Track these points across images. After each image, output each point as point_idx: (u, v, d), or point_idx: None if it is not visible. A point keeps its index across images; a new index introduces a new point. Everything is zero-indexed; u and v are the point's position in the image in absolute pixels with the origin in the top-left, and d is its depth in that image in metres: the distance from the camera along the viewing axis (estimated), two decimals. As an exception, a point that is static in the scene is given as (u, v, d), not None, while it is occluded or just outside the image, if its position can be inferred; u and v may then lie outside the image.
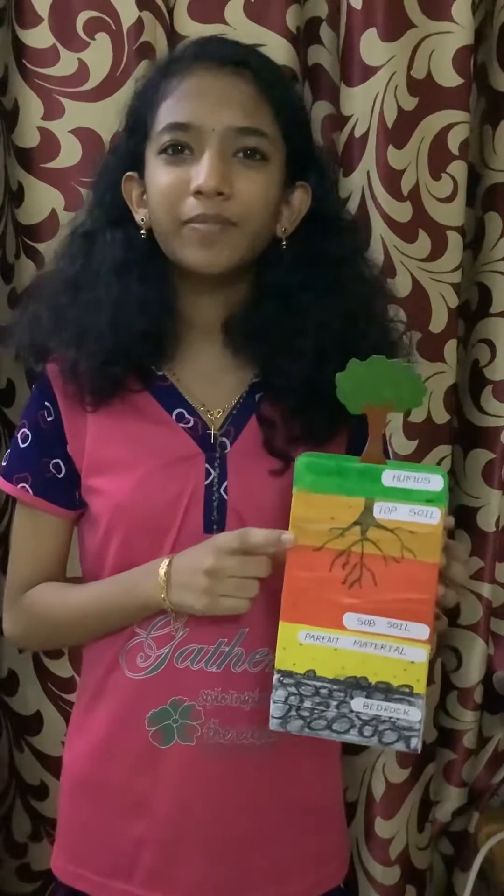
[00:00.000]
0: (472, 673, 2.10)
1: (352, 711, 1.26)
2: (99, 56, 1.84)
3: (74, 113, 1.86)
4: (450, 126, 1.88)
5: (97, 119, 1.79)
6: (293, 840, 1.49)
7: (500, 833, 2.01)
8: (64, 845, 1.56)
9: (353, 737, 1.26)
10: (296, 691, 1.26)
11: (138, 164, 1.42)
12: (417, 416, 1.96)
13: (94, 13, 1.83)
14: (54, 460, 1.47)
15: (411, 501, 1.23)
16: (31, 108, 1.87)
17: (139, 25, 1.82)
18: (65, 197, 1.87)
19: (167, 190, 1.35)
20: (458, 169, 1.90)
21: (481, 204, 2.01)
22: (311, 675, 1.26)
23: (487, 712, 2.16)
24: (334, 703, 1.26)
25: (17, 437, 1.50)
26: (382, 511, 1.23)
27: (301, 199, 1.45)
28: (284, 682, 1.27)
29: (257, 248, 1.40)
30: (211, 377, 1.47)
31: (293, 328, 1.41)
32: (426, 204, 1.91)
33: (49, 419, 1.47)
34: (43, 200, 1.90)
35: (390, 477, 1.24)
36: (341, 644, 1.25)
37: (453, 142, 1.89)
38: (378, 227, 1.88)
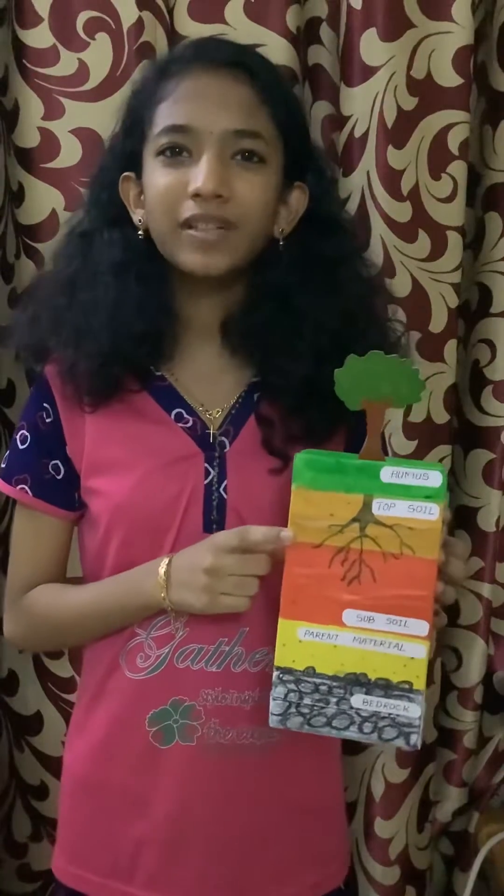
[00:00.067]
0: (472, 673, 2.10)
1: (351, 708, 1.26)
2: (99, 56, 1.84)
3: (75, 113, 1.86)
4: (450, 126, 1.88)
5: (97, 119, 1.79)
6: (294, 840, 1.49)
7: (500, 833, 2.01)
8: (64, 846, 1.56)
9: (352, 733, 1.26)
10: (295, 688, 1.27)
11: (136, 165, 1.42)
12: (417, 416, 1.97)
13: (95, 13, 1.83)
14: (53, 461, 1.47)
15: (410, 498, 1.23)
16: (32, 108, 1.87)
17: (139, 25, 1.82)
18: (65, 197, 1.87)
19: (165, 192, 1.35)
20: (458, 169, 1.90)
21: (481, 204, 2.01)
22: (310, 671, 1.26)
23: (487, 712, 2.16)
24: (334, 699, 1.26)
25: (15, 439, 1.50)
26: (381, 507, 1.24)
27: (298, 199, 1.45)
28: (284, 678, 1.27)
29: (255, 249, 1.40)
30: (209, 377, 1.47)
31: (290, 328, 1.42)
32: (426, 204, 1.91)
33: (48, 420, 1.47)
34: (43, 200, 1.90)
35: (389, 473, 1.24)
36: (341, 641, 1.25)
37: (453, 142, 1.89)
38: (378, 227, 1.88)
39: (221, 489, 1.42)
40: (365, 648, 1.25)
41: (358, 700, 1.25)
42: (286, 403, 1.43)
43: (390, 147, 1.86)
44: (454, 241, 1.93)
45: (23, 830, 2.15)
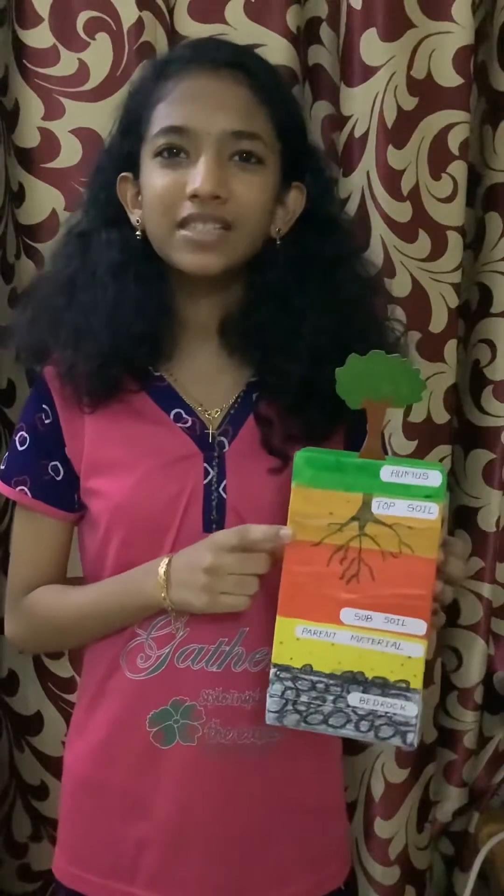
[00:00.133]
0: (472, 673, 2.10)
1: (348, 706, 1.26)
2: (99, 56, 1.85)
3: (75, 113, 1.86)
4: (450, 126, 1.88)
5: (97, 119, 1.78)
6: (295, 840, 1.49)
7: (500, 833, 2.01)
8: (65, 847, 1.55)
9: (349, 731, 1.27)
10: (292, 686, 1.27)
11: (133, 165, 1.42)
12: (417, 416, 1.97)
13: (95, 13, 1.83)
14: (53, 463, 1.47)
15: (410, 497, 1.23)
16: (32, 108, 1.87)
17: (139, 25, 1.82)
18: (65, 197, 1.87)
19: (162, 193, 1.35)
20: (458, 169, 1.90)
21: (482, 204, 2.01)
22: (307, 669, 1.26)
23: (488, 712, 2.16)
24: (331, 697, 1.26)
25: (15, 440, 1.50)
26: (381, 506, 1.24)
27: (296, 199, 1.45)
28: (281, 676, 1.27)
29: (252, 249, 1.40)
30: (208, 377, 1.47)
31: (288, 328, 1.42)
32: (426, 204, 1.91)
33: (47, 422, 1.47)
34: (43, 200, 1.90)
35: (389, 472, 1.24)
36: (338, 639, 1.25)
37: (453, 142, 1.89)
38: (378, 228, 1.88)
39: (221, 489, 1.42)
40: (363, 647, 1.25)
41: (355, 698, 1.26)
42: (285, 403, 1.43)
43: (390, 147, 1.86)
44: (454, 241, 1.93)
45: (23, 830, 2.15)
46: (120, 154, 1.45)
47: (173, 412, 1.45)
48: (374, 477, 1.24)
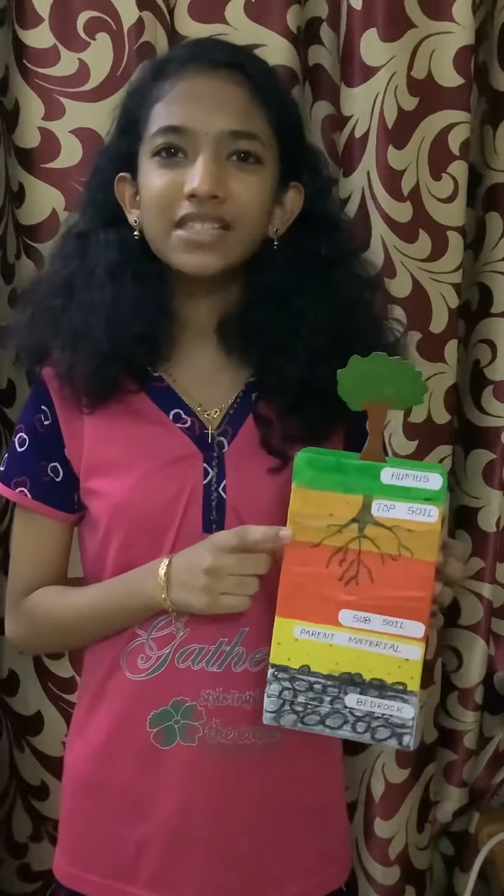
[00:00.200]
0: (472, 673, 2.10)
1: (345, 707, 1.26)
2: (99, 56, 1.85)
3: (75, 113, 1.86)
4: (450, 126, 1.88)
5: (98, 119, 1.78)
6: (296, 840, 1.49)
7: (500, 833, 2.01)
8: (66, 847, 1.55)
9: (345, 732, 1.27)
10: (290, 686, 1.27)
11: (131, 165, 1.42)
12: (418, 416, 1.97)
13: (95, 13, 1.83)
14: (52, 464, 1.47)
15: (410, 499, 1.23)
16: (32, 108, 1.87)
17: (140, 25, 1.82)
18: (65, 197, 1.87)
19: (160, 193, 1.35)
20: (458, 169, 1.90)
21: (482, 204, 2.02)
22: (305, 670, 1.26)
23: (488, 713, 2.16)
24: (328, 698, 1.26)
25: (14, 442, 1.50)
26: (381, 509, 1.24)
27: (293, 199, 1.45)
28: (279, 676, 1.27)
29: (250, 250, 1.40)
30: (207, 377, 1.47)
31: (287, 328, 1.42)
32: (427, 204, 1.91)
33: (46, 423, 1.47)
34: (43, 201, 1.90)
35: (389, 475, 1.24)
36: (336, 640, 1.25)
37: (454, 142, 1.89)
38: (378, 228, 1.88)
39: (220, 489, 1.42)
40: (360, 648, 1.25)
41: (352, 699, 1.26)
42: (284, 403, 1.43)
43: (391, 147, 1.86)
44: (455, 241, 1.93)
45: (23, 830, 2.15)
46: (118, 154, 1.45)
47: (172, 412, 1.45)
48: (375, 479, 1.24)
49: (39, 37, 1.85)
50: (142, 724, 1.43)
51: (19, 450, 1.49)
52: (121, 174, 1.44)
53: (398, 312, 1.82)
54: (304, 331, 1.41)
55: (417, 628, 1.23)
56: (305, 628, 1.26)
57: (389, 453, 1.93)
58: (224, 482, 1.42)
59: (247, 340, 1.44)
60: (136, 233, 1.43)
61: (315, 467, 1.25)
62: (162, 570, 1.35)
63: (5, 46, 1.87)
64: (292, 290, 1.43)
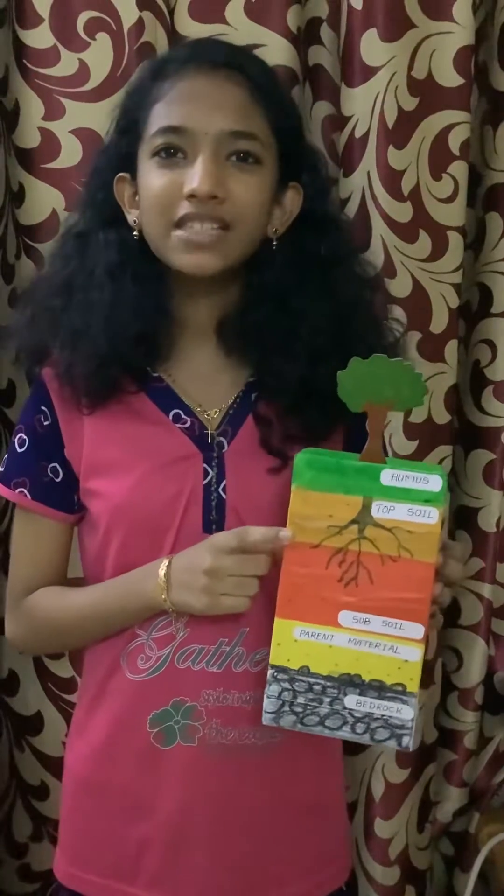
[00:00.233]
0: (472, 673, 2.10)
1: (345, 708, 1.26)
2: (99, 56, 1.85)
3: (75, 113, 1.86)
4: (450, 126, 1.88)
5: (98, 119, 1.78)
6: (296, 840, 1.49)
7: (500, 833, 2.01)
8: (66, 847, 1.55)
9: (345, 733, 1.27)
10: (289, 687, 1.27)
11: (130, 166, 1.42)
12: (418, 416, 1.97)
13: (95, 13, 1.83)
14: (52, 464, 1.47)
15: (409, 501, 1.23)
16: (32, 108, 1.87)
17: (140, 26, 1.82)
18: (65, 197, 1.87)
19: (160, 193, 1.35)
20: (458, 169, 1.90)
21: (482, 204, 2.02)
22: (305, 671, 1.26)
23: (488, 713, 2.16)
24: (327, 699, 1.26)
25: (14, 442, 1.50)
26: (380, 510, 1.24)
27: (293, 199, 1.45)
28: (278, 677, 1.27)
29: (249, 250, 1.40)
30: (206, 377, 1.47)
31: (286, 328, 1.42)
32: (427, 204, 1.91)
33: (46, 423, 1.47)
34: (44, 201, 1.90)
35: (389, 476, 1.24)
36: (336, 641, 1.25)
37: (454, 142, 1.89)
38: (378, 228, 1.88)
39: (220, 489, 1.42)
40: (360, 650, 1.25)
41: (351, 700, 1.26)
42: (283, 403, 1.43)
43: (391, 147, 1.86)
44: (455, 241, 1.93)
45: (23, 831, 2.15)
46: (117, 154, 1.45)
47: (172, 413, 1.45)
48: (375, 480, 1.24)
49: (39, 37, 1.85)
50: (142, 725, 1.43)
51: (19, 450, 1.49)
52: (120, 174, 1.44)
53: (398, 312, 1.82)
54: (304, 331, 1.41)
55: (417, 630, 1.23)
56: (305, 629, 1.26)
57: (390, 453, 1.93)
58: (224, 482, 1.42)
59: (246, 340, 1.44)
60: (135, 233, 1.43)
61: (315, 468, 1.25)
62: (162, 571, 1.35)
63: (5, 46, 1.87)
64: (291, 291, 1.43)
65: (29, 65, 1.86)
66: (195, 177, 1.32)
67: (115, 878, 1.48)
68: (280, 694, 1.27)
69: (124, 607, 1.41)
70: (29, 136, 1.88)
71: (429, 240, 1.91)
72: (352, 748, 2.03)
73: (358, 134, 1.86)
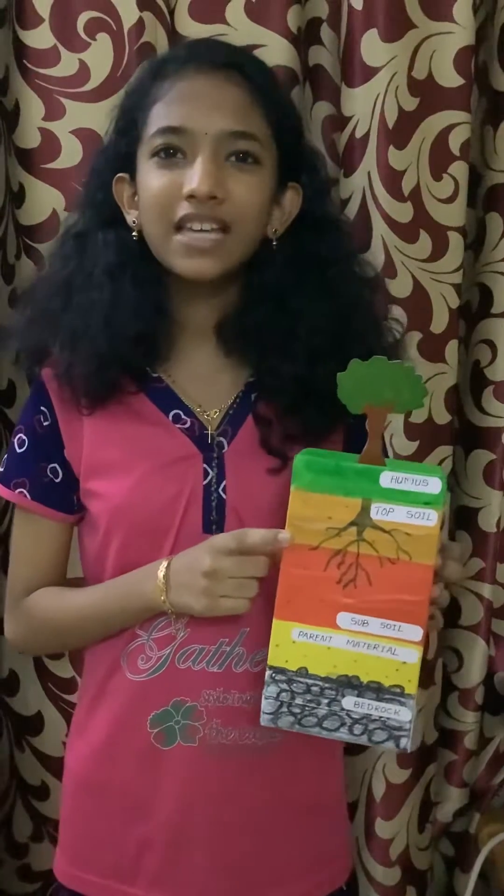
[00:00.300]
0: (473, 674, 2.10)
1: (342, 710, 1.26)
2: (100, 56, 1.85)
3: (75, 113, 1.86)
4: (451, 126, 1.88)
5: (98, 120, 1.76)
6: (296, 840, 1.49)
7: (501, 834, 2.00)
8: (66, 848, 1.55)
9: (342, 735, 1.27)
10: (287, 688, 1.27)
11: (130, 166, 1.42)
12: (419, 416, 1.96)
13: (95, 13, 1.83)
14: (51, 465, 1.47)
15: (409, 503, 1.23)
16: (32, 108, 1.87)
17: (140, 26, 1.82)
18: (66, 197, 1.87)
19: (159, 193, 1.35)
20: (459, 169, 1.90)
21: (482, 204, 2.01)
22: (303, 672, 1.26)
23: (488, 713, 2.16)
24: (325, 700, 1.26)
25: (13, 442, 1.50)
26: (379, 512, 1.23)
27: (292, 200, 1.45)
28: (276, 678, 1.27)
29: (249, 251, 1.40)
30: (206, 378, 1.47)
31: (285, 329, 1.42)
32: (427, 204, 1.91)
33: (45, 424, 1.47)
34: (44, 201, 1.90)
35: (388, 478, 1.23)
36: (334, 643, 1.25)
37: (454, 142, 1.89)
38: (379, 228, 1.88)
39: (220, 489, 1.42)
40: (358, 651, 1.25)
41: (349, 702, 1.26)
42: (282, 403, 1.43)
43: (391, 148, 1.86)
44: (455, 241, 1.93)
45: (23, 831, 2.15)
46: (116, 155, 1.45)
47: (172, 413, 1.45)
48: (374, 482, 1.24)
49: (40, 37, 1.85)
50: (142, 725, 1.43)
51: (19, 451, 1.49)
52: (119, 174, 1.44)
53: (398, 313, 1.82)
54: (303, 331, 1.41)
55: (415, 632, 1.23)
56: (303, 630, 1.26)
57: (391, 454, 1.93)
58: (224, 482, 1.42)
59: (246, 341, 1.44)
60: (134, 233, 1.43)
61: (314, 470, 1.25)
62: (161, 573, 1.35)
63: (6, 47, 1.87)
64: (291, 291, 1.43)
65: (29, 65, 1.86)
66: (194, 177, 1.32)
67: (116, 878, 1.48)
68: (278, 695, 1.27)
69: (124, 608, 1.41)
70: (29, 137, 1.88)
71: (429, 240, 1.91)
72: (352, 748, 2.03)
73: (358, 134, 1.86)
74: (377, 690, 1.25)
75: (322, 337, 1.41)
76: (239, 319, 1.44)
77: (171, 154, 1.35)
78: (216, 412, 1.46)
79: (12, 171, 1.91)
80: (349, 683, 1.26)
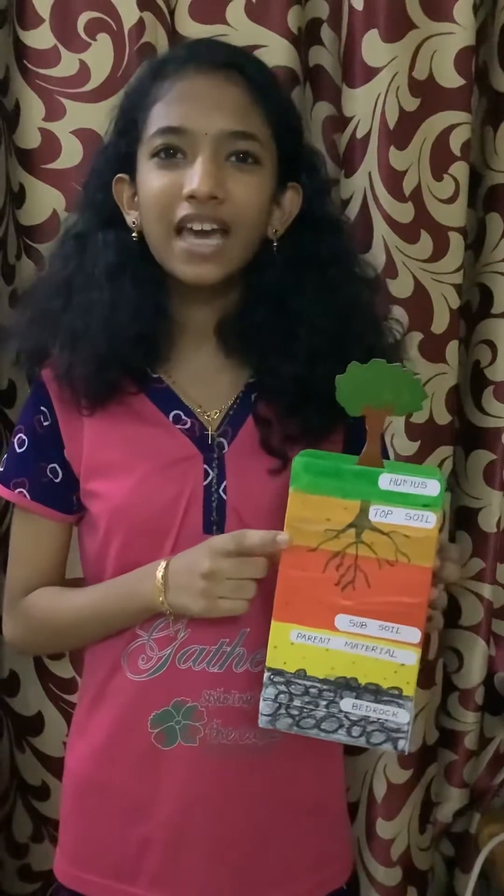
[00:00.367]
0: (473, 674, 2.10)
1: (341, 711, 1.26)
2: (100, 57, 1.84)
3: (75, 114, 1.86)
4: (451, 127, 1.88)
5: (98, 120, 1.76)
6: (297, 840, 1.49)
7: (501, 834, 2.00)
8: (66, 848, 1.55)
9: (341, 736, 1.27)
10: (286, 690, 1.27)
11: (130, 166, 1.42)
12: (420, 417, 1.96)
13: (95, 14, 1.83)
14: (51, 465, 1.47)
15: (407, 505, 1.23)
16: (33, 108, 1.87)
17: (140, 26, 1.82)
18: (66, 198, 1.87)
19: (159, 194, 1.35)
20: (459, 170, 1.90)
21: (482, 205, 2.01)
22: (301, 674, 1.26)
23: (489, 713, 2.16)
24: (324, 702, 1.26)
25: (13, 442, 1.50)
26: (378, 514, 1.23)
27: (292, 200, 1.45)
28: (275, 680, 1.27)
29: (249, 253, 1.40)
30: (206, 378, 1.47)
31: (285, 329, 1.42)
32: (428, 205, 1.90)
33: (45, 424, 1.47)
34: (44, 201, 1.89)
35: (387, 480, 1.23)
36: (332, 645, 1.25)
37: (455, 143, 1.89)
38: (380, 228, 1.88)
39: (221, 490, 1.42)
40: (356, 653, 1.25)
41: (347, 704, 1.26)
42: (282, 404, 1.43)
43: (392, 148, 1.86)
44: (456, 241, 1.93)
45: (24, 831, 2.15)
46: (116, 155, 1.45)
47: (172, 414, 1.45)
48: (373, 484, 1.23)
49: (40, 37, 1.85)
50: (143, 725, 1.43)
51: (18, 450, 1.49)
52: (119, 175, 1.44)
53: (399, 313, 1.82)
54: (303, 331, 1.41)
55: (413, 634, 1.23)
56: (302, 632, 1.26)
57: (392, 454, 1.93)
58: (224, 483, 1.42)
59: (246, 341, 1.44)
60: (134, 234, 1.43)
61: (312, 472, 1.25)
62: (159, 573, 1.35)
63: (6, 47, 1.87)
64: (291, 291, 1.43)
65: (29, 65, 1.86)
66: (195, 178, 1.32)
67: (116, 878, 1.48)
68: (276, 697, 1.27)
69: (123, 608, 1.42)
70: (29, 137, 1.88)
71: (430, 240, 1.91)
72: (353, 749, 2.03)
73: (359, 135, 1.86)
74: (375, 692, 1.25)
75: (322, 337, 1.41)
76: (239, 320, 1.44)
77: (171, 154, 1.35)
78: (216, 413, 1.46)
79: (13, 172, 1.91)
80: (347, 685, 1.26)
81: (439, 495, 1.22)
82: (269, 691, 1.28)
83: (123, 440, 1.44)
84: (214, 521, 1.41)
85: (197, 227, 1.34)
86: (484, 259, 2.01)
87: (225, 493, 1.41)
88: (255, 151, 1.36)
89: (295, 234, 1.45)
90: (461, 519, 2.09)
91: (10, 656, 2.09)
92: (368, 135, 1.85)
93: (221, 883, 1.45)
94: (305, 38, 1.91)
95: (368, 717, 1.26)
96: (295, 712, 1.27)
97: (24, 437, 1.48)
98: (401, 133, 1.86)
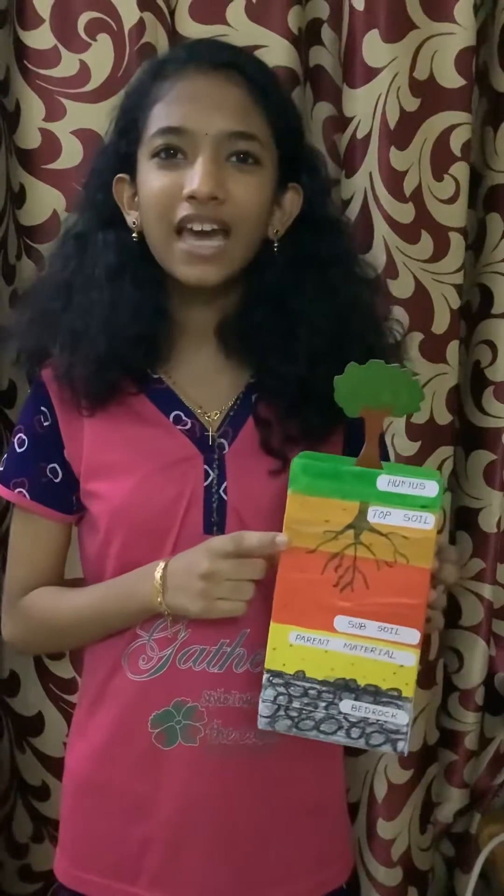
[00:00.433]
0: (473, 674, 2.10)
1: (340, 713, 1.26)
2: (100, 57, 1.85)
3: (76, 114, 1.86)
4: (452, 127, 1.88)
5: (98, 120, 1.76)
6: (297, 840, 1.49)
7: (501, 834, 2.00)
8: (67, 848, 1.55)
9: (340, 738, 1.27)
10: (285, 691, 1.27)
11: (130, 166, 1.42)
12: (420, 417, 1.96)
13: (96, 14, 1.83)
14: (51, 465, 1.47)
15: (406, 507, 1.23)
16: (33, 109, 1.87)
17: (140, 26, 1.82)
18: (66, 198, 1.87)
19: (160, 194, 1.35)
20: (459, 170, 1.90)
21: (483, 205, 2.01)
22: (300, 675, 1.26)
23: (489, 713, 2.16)
24: (323, 704, 1.26)
25: (13, 442, 1.50)
26: (377, 515, 1.23)
27: (292, 200, 1.44)
28: (274, 681, 1.27)
29: (249, 254, 1.40)
30: (207, 379, 1.47)
31: (285, 330, 1.42)
32: (428, 205, 1.91)
33: (45, 424, 1.47)
34: (44, 201, 1.90)
35: (385, 482, 1.23)
36: (331, 646, 1.25)
37: (455, 143, 1.89)
38: (380, 229, 1.88)
39: (221, 491, 1.42)
40: (355, 654, 1.25)
41: (347, 705, 1.26)
42: (282, 404, 1.43)
43: (393, 148, 1.86)
44: (456, 242, 1.93)
45: (24, 831, 2.15)
46: (116, 155, 1.45)
47: (173, 414, 1.45)
48: (371, 486, 1.23)
49: (40, 38, 1.85)
50: (143, 725, 1.43)
51: (18, 450, 1.49)
52: (119, 175, 1.43)
53: (400, 313, 1.82)
54: (303, 332, 1.41)
55: (412, 635, 1.23)
56: (301, 634, 1.26)
57: (392, 454, 1.93)
58: (225, 484, 1.42)
59: (246, 342, 1.44)
60: (134, 234, 1.43)
61: (311, 474, 1.25)
62: (158, 574, 1.35)
63: (6, 47, 1.87)
64: (291, 292, 1.43)
65: (30, 66, 1.86)
66: (195, 178, 1.32)
67: (116, 878, 1.48)
68: (275, 698, 1.27)
69: (122, 609, 1.41)
70: (30, 137, 1.88)
71: (430, 240, 1.91)
72: (354, 749, 2.02)
73: (360, 135, 1.86)
74: (374, 694, 1.25)
75: (323, 338, 1.41)
76: (239, 320, 1.44)
77: (171, 154, 1.35)
78: (217, 413, 1.46)
79: (13, 172, 1.91)
80: (346, 687, 1.26)
81: (438, 496, 1.22)
82: (268, 693, 1.27)
83: (124, 441, 1.44)
84: (215, 521, 1.41)
85: (197, 227, 1.34)
86: (484, 259, 2.01)
87: (225, 493, 1.41)
88: (255, 152, 1.36)
89: (295, 235, 1.45)
90: (461, 519, 2.09)
91: (10, 656, 2.09)
92: (369, 135, 1.86)
93: (222, 883, 1.45)
94: (306, 39, 1.91)
95: (367, 718, 1.26)
96: (294, 714, 1.27)
97: (24, 437, 1.48)
98: (401, 133, 1.86)
